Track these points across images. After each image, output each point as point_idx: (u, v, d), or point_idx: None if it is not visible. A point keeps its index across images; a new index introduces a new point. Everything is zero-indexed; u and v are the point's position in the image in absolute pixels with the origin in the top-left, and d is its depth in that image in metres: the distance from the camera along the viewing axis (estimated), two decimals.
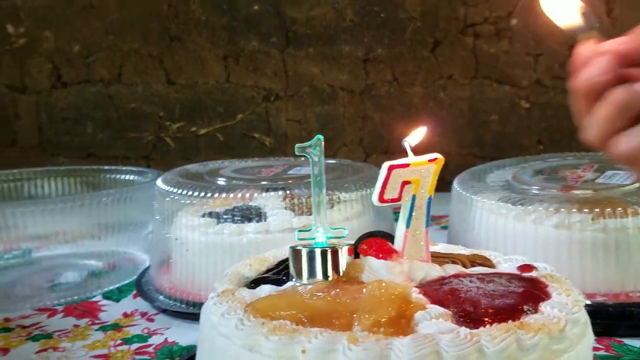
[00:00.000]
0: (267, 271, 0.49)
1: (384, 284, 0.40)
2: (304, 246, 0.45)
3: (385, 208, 0.76)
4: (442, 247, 0.54)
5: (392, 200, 0.45)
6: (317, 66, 1.44)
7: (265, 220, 0.69)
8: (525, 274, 0.45)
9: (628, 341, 0.55)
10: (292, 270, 0.45)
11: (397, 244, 0.46)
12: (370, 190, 0.58)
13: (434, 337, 0.34)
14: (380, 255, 0.45)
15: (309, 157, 0.46)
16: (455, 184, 0.75)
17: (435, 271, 0.45)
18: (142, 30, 1.44)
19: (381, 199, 0.45)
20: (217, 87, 1.45)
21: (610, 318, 0.58)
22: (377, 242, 0.46)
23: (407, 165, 0.46)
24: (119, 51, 1.44)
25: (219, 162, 0.89)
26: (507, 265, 0.48)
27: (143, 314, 0.69)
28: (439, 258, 0.48)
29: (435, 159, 0.47)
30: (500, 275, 0.44)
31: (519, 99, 1.43)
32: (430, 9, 1.41)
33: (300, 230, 0.46)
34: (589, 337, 0.39)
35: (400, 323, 0.36)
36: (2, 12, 1.42)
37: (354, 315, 0.37)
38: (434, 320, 0.36)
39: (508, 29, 1.41)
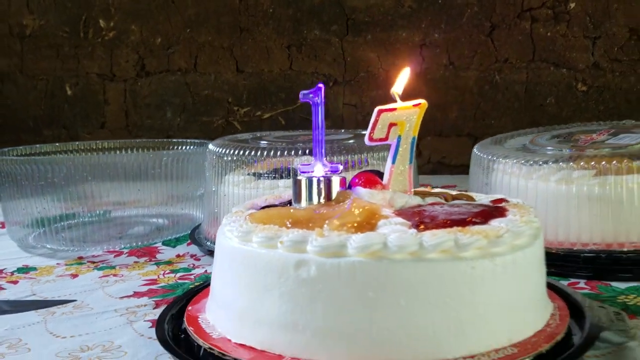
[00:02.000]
0: (278, 204, 0.58)
1: (357, 202, 0.47)
2: (305, 177, 0.53)
3: None
4: (438, 190, 0.60)
5: (380, 140, 0.53)
6: (375, 52, 1.52)
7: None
8: (494, 205, 0.51)
9: (615, 284, 0.59)
10: (293, 197, 0.54)
11: (385, 178, 0.54)
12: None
13: (385, 233, 0.41)
14: (367, 186, 0.52)
15: (310, 102, 0.55)
16: (475, 149, 0.80)
17: (415, 201, 0.52)
18: (215, 23, 1.58)
19: (370, 138, 0.53)
20: (280, 75, 1.56)
21: (601, 264, 0.61)
22: (367, 175, 0.54)
23: (394, 109, 0.54)
24: (195, 43, 1.59)
25: (266, 132, 0.99)
26: (485, 200, 0.54)
27: (192, 256, 0.80)
28: (425, 194, 0.55)
29: (419, 104, 0.54)
30: (469, 204, 0.51)
31: (576, 81, 1.44)
32: None
33: (302, 164, 0.55)
34: (535, 249, 0.45)
35: (364, 226, 0.44)
36: (96, 8, 1.61)
37: (327, 221, 0.45)
38: (392, 226, 0.44)
39: (566, 13, 1.42)
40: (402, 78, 0.57)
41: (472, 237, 0.41)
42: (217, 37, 1.57)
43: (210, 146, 0.86)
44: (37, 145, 1.00)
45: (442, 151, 1.51)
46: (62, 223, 0.97)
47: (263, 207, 0.55)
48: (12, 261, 0.81)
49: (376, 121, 0.53)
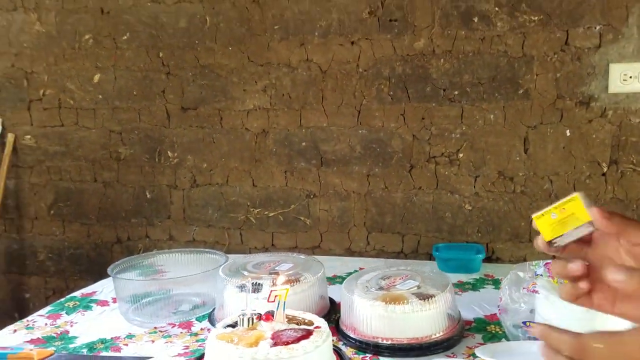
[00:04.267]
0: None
1: (258, 327, 1.24)
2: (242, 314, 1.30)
3: None
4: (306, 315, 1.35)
5: (270, 301, 1.29)
6: (338, 178, 2.27)
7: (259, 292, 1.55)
8: (309, 327, 1.26)
9: None
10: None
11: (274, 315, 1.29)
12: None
13: (257, 349, 1.17)
14: (266, 320, 1.28)
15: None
16: (343, 284, 1.54)
17: (283, 327, 1.27)
18: (240, 156, 2.36)
19: (268, 299, 1.29)
20: (280, 189, 2.34)
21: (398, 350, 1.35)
22: (267, 315, 1.30)
23: (278, 292, 1.30)
24: (227, 167, 2.38)
25: (253, 256, 1.76)
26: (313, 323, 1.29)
27: (209, 330, 1.58)
28: (291, 321, 1.30)
29: (286, 289, 1.30)
30: (299, 329, 1.26)
31: (464, 203, 2.14)
32: (408, 147, 2.17)
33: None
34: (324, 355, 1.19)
35: (253, 343, 1.20)
36: (166, 143, 2.43)
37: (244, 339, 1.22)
38: (265, 342, 1.20)
39: (457, 160, 2.13)
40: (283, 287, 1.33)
41: (283, 351, 1.16)
42: (241, 164, 2.37)
43: (220, 272, 1.64)
44: (141, 255, 1.81)
45: (382, 242, 2.25)
46: (145, 299, 1.78)
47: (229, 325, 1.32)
48: (122, 330, 1.61)
49: (269, 297, 1.29)
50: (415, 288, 1.42)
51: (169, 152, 2.41)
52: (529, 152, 2.03)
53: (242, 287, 1.51)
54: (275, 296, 1.26)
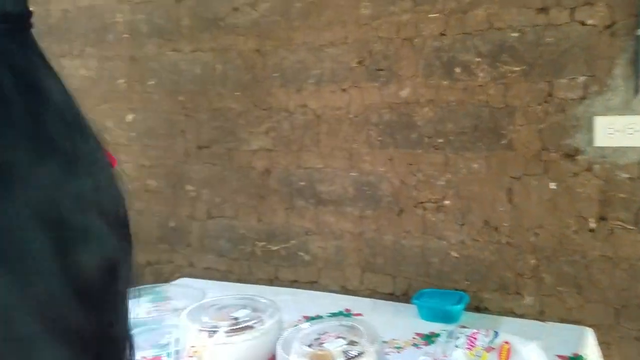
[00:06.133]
0: None
1: None
2: None
3: None
4: None
5: (189, 356, 1.37)
6: (334, 217, 2.30)
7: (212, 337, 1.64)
8: None
9: None
10: None
11: None
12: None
13: None
14: None
15: None
16: (281, 339, 1.59)
17: None
18: (247, 192, 2.47)
19: (187, 354, 1.38)
20: (282, 225, 2.41)
21: None
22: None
23: (197, 348, 1.38)
24: (237, 203, 2.50)
25: (222, 298, 1.86)
26: None
27: None
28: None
29: (204, 346, 1.38)
30: None
31: (450, 250, 2.09)
32: (397, 191, 2.15)
33: None
34: None
35: None
36: (185, 179, 2.60)
37: None
38: None
39: (443, 207, 2.08)
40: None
41: None
42: (248, 200, 2.47)
43: (183, 314, 1.76)
44: None
45: (375, 282, 2.25)
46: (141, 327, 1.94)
47: None
48: None
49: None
50: (345, 346, 1.44)
51: (188, 186, 2.57)
52: (514, 202, 1.94)
53: (200, 330, 1.61)
54: (194, 352, 1.34)
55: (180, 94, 2.50)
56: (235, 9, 2.31)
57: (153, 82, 2.56)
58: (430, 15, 1.97)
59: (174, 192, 2.61)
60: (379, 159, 2.14)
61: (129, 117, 2.65)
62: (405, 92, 2.04)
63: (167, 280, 2.66)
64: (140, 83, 2.59)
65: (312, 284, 2.37)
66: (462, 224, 2.04)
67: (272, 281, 2.45)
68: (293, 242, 2.38)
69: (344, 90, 2.16)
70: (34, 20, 0.43)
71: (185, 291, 2.18)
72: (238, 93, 2.37)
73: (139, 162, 2.67)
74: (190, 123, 2.51)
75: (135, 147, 2.67)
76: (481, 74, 1.90)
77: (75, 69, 2.73)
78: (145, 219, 2.71)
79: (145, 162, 2.66)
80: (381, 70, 2.07)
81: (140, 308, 1.95)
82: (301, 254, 2.37)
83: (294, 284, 2.39)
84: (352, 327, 1.54)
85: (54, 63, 0.44)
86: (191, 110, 2.49)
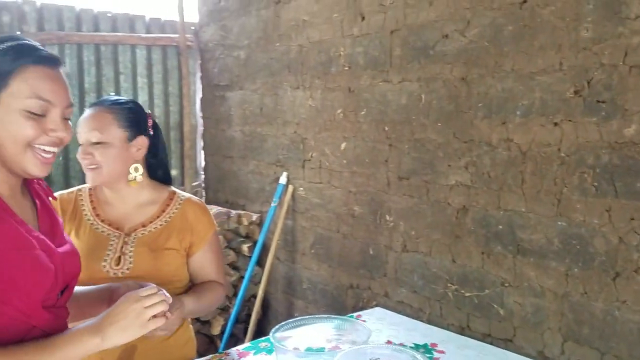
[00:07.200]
0: None
1: None
2: None
3: None
4: None
5: None
6: (534, 271, 1.96)
7: None
8: None
9: None
10: None
11: None
12: None
13: None
14: None
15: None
16: None
17: None
18: (441, 229, 2.29)
19: None
20: (476, 270, 2.16)
21: None
22: None
23: None
24: (430, 239, 2.35)
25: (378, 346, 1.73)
26: None
27: None
28: None
29: None
30: None
31: None
32: (613, 250, 1.72)
33: None
34: None
35: None
36: (385, 208, 2.55)
37: None
38: None
39: None
40: None
41: None
42: (442, 237, 2.29)
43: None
44: None
45: (579, 355, 1.84)
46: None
47: None
48: None
49: None
50: None
51: (387, 215, 2.53)
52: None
53: None
54: None
55: (386, 124, 2.48)
56: (445, 36, 2.19)
57: (364, 112, 2.59)
58: None
59: (374, 220, 2.59)
60: (593, 208, 1.76)
61: (343, 145, 2.73)
62: (631, 130, 1.64)
63: (364, 306, 2.65)
64: (354, 113, 2.65)
65: (506, 342, 2.06)
66: None
67: (463, 329, 2.22)
68: (487, 291, 2.12)
69: (555, 124, 1.84)
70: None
71: (369, 324, 2.10)
72: (440, 124, 2.23)
73: (347, 188, 2.73)
74: (393, 153, 2.46)
75: (345, 173, 2.73)
76: None
77: (306, 99, 2.94)
78: (350, 243, 2.75)
79: (352, 189, 2.70)
80: (602, 102, 1.70)
81: (324, 332, 1.89)
82: (495, 306, 2.09)
83: (486, 337, 2.12)
84: None
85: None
86: (394, 140, 2.44)
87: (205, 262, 1.58)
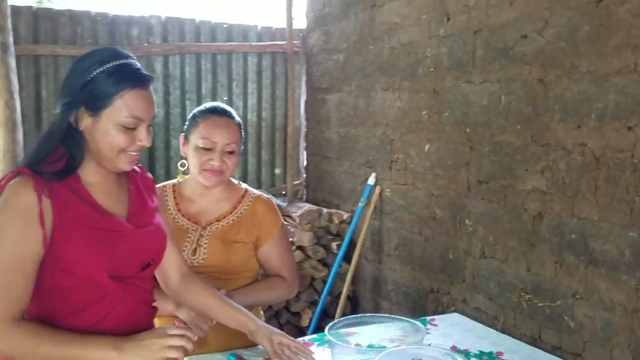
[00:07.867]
0: None
1: None
2: None
3: None
4: None
5: None
6: (605, 283, 1.85)
7: None
8: None
9: None
10: None
11: None
12: None
13: None
14: None
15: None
16: None
17: None
18: (517, 236, 2.24)
19: None
20: (549, 280, 2.09)
21: None
22: None
23: None
24: (507, 245, 2.30)
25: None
26: None
27: None
28: None
29: None
30: None
31: None
32: None
33: None
34: None
35: None
36: (464, 212, 2.54)
37: None
38: None
39: None
40: None
41: None
42: (518, 245, 2.24)
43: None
44: None
45: None
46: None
47: None
48: None
49: None
50: None
51: (466, 220, 2.52)
52: None
53: None
54: None
55: (468, 126, 2.48)
56: (524, 37, 2.15)
57: (447, 114, 2.61)
58: None
59: (454, 224, 2.60)
60: None
61: (426, 147, 2.77)
62: None
63: (443, 311, 2.66)
64: (438, 114, 2.68)
65: (575, 357, 1.98)
66: None
67: (535, 340, 2.16)
68: (559, 302, 2.05)
69: (629, 128, 1.75)
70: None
71: (441, 329, 2.08)
72: (518, 126, 2.19)
73: (429, 191, 2.76)
74: (474, 155, 2.45)
75: (428, 175, 2.77)
76: None
77: (394, 100, 3.02)
78: (430, 246, 2.78)
79: (434, 191, 2.73)
80: None
81: (390, 331, 1.88)
82: (566, 318, 2.02)
83: (556, 350, 2.05)
84: None
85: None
86: (475, 143, 2.44)
87: (270, 255, 1.71)
